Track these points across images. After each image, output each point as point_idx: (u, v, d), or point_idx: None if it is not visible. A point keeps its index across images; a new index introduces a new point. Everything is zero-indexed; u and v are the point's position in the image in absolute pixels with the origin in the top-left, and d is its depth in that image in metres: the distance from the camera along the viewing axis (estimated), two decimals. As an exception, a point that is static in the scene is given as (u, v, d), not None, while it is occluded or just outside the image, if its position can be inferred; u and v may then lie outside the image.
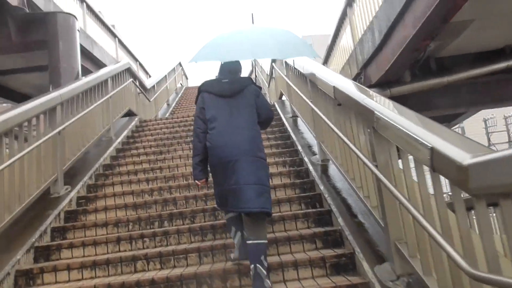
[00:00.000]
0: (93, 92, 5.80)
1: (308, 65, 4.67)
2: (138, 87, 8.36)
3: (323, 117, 3.90)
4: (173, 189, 4.42)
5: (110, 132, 6.38)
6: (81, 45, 8.95)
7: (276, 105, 7.45)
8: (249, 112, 2.93)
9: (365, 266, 2.67)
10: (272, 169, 4.63)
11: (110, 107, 6.46)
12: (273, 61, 8.11)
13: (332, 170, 4.22)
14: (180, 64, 15.71)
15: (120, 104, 7.14)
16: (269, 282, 2.65)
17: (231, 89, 2.97)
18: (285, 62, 6.48)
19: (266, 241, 2.79)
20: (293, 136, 5.49)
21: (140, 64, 15.64)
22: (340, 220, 3.25)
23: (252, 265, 2.66)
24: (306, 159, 4.63)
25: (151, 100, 9.39)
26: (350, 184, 3.37)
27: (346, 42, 8.00)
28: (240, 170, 2.74)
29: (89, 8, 10.23)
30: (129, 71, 7.79)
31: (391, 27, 5.40)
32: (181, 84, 16.03)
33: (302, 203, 3.85)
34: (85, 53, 9.40)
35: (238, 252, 2.97)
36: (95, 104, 5.63)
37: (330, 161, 4.37)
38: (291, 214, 3.58)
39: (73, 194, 4.33)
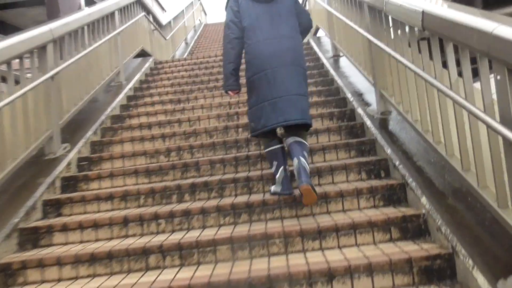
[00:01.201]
0: (97, 28, 4.82)
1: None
2: (152, 23, 7.30)
3: (396, 55, 2.86)
4: (194, 149, 3.55)
5: (120, 76, 5.47)
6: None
7: (312, 42, 6.32)
8: (291, 19, 2.74)
9: None
10: (316, 124, 3.69)
11: (119, 45, 5.50)
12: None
13: (397, 126, 3.26)
14: (198, -2, 14.31)
15: (131, 42, 6.15)
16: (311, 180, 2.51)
17: None
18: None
19: (307, 144, 2.72)
20: (338, 81, 4.46)
21: (157, 1, 14.31)
22: (426, 201, 2.34)
23: (295, 158, 2.53)
24: (359, 110, 3.66)
25: (167, 38, 8.33)
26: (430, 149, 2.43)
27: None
28: (287, 81, 2.59)
29: None
30: (140, 2, 6.70)
31: None
32: (199, 21, 14.72)
33: (363, 171, 2.94)
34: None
35: (281, 186, 2.68)
36: (99, 42, 4.67)
37: (394, 114, 3.40)
38: (352, 189, 2.68)
39: (72, 154, 3.52)
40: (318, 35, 6.91)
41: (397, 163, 2.77)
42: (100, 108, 4.57)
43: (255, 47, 2.66)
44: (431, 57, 2.46)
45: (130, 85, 5.35)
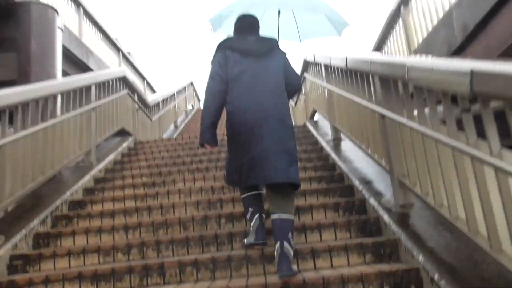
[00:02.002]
0: (65, 101, 4.25)
1: (373, 56, 3.06)
2: (136, 102, 6.83)
3: (429, 131, 2.23)
4: (162, 244, 2.75)
5: (91, 156, 4.79)
6: (73, 54, 7.57)
7: (309, 125, 5.81)
8: (279, 76, 2.66)
9: None
10: (318, 216, 2.97)
11: (93, 122, 4.91)
12: (304, 69, 6.53)
13: (424, 223, 2.53)
14: (192, 84, 14.29)
15: (109, 120, 5.59)
16: (295, 267, 2.27)
17: (260, 49, 2.67)
18: (324, 65, 4.89)
19: (293, 218, 2.43)
20: (342, 166, 3.82)
21: (148, 84, 14.28)
22: None
23: (278, 243, 2.28)
24: (372, 201, 2.95)
25: (153, 119, 7.84)
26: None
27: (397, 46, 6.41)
28: (268, 136, 2.44)
29: (87, 13, 8.89)
30: (124, 80, 6.28)
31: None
32: (192, 106, 14.56)
33: (386, 285, 2.14)
34: (79, 64, 7.98)
35: (255, 235, 2.49)
36: (62, 117, 4.05)
37: (417, 207, 2.69)
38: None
39: (3, 251, 2.69)
40: (315, 118, 6.45)
41: (435, 276, 1.99)
42: (59, 191, 3.81)
43: (238, 99, 2.54)
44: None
45: (101, 165, 4.65)
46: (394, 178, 2.84)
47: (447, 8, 4.62)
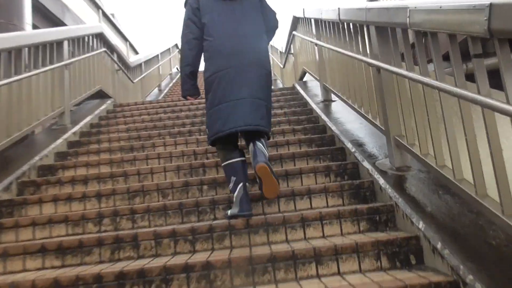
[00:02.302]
0: (33, 56, 3.87)
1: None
2: (116, 62, 6.42)
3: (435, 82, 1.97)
4: (137, 215, 2.51)
5: (65, 118, 4.47)
6: (46, 8, 7.06)
7: (298, 87, 5.51)
8: (256, 18, 2.54)
9: None
10: (309, 180, 2.75)
11: (67, 82, 4.55)
12: (294, 28, 6.16)
13: (424, 186, 2.31)
14: (177, 45, 13.72)
15: (86, 80, 5.22)
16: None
17: None
18: (315, 20, 4.55)
19: (266, 141, 2.44)
20: (333, 128, 3.56)
21: (131, 46, 13.68)
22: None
23: (251, 143, 2.32)
24: (366, 164, 2.72)
25: (135, 81, 7.44)
26: None
27: None
28: (248, 82, 2.35)
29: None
30: (101, 38, 5.85)
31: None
32: (177, 69, 14.04)
33: (384, 255, 1.93)
34: (53, 20, 7.47)
35: (239, 206, 2.29)
36: (30, 73, 3.68)
37: (415, 169, 2.48)
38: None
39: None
40: (305, 79, 6.14)
41: (438, 245, 1.79)
42: (27, 156, 3.51)
43: (215, 44, 2.42)
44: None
45: (76, 128, 4.33)
46: (390, 138, 2.61)
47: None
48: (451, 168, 1.91)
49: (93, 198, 2.80)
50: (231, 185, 2.36)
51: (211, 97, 2.41)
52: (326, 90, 4.52)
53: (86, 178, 3.11)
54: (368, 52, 2.90)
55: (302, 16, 5.19)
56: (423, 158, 2.20)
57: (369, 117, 3.02)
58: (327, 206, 2.48)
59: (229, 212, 2.34)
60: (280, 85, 8.93)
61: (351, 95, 3.48)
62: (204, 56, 2.50)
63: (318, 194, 2.51)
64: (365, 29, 2.92)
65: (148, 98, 8.93)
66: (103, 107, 5.31)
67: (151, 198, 2.78)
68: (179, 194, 2.78)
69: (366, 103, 3.10)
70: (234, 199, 2.32)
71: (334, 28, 3.83)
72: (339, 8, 3.35)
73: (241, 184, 2.31)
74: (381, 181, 2.45)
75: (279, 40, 8.99)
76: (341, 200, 2.51)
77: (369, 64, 2.76)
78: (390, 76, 2.59)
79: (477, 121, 1.77)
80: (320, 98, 4.69)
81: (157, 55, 10.27)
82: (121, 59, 6.79)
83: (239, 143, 2.55)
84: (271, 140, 3.43)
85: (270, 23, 2.63)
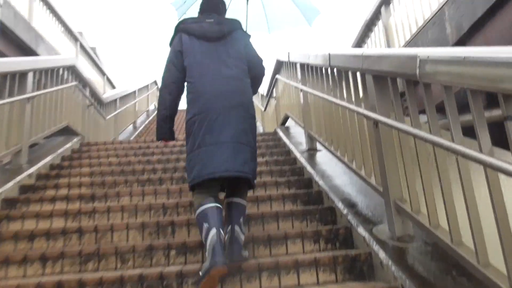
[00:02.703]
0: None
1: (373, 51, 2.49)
2: (87, 97, 6.02)
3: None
4: None
5: (21, 157, 3.99)
6: (18, 37, 6.65)
7: (280, 132, 5.21)
8: (240, 61, 2.45)
9: None
10: (294, 247, 2.37)
11: (28, 117, 4.11)
12: (277, 71, 5.94)
13: (432, 263, 1.96)
14: (155, 82, 13.44)
15: (51, 115, 4.78)
16: (247, 252, 2.25)
17: (219, 31, 2.46)
18: (300, 65, 4.31)
19: (246, 205, 2.35)
20: (320, 182, 3.22)
21: (109, 80, 13.30)
22: None
23: (230, 226, 2.20)
24: (361, 231, 2.36)
25: (107, 117, 7.02)
26: None
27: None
28: (234, 126, 2.26)
29: (38, -5, 7.95)
30: (73, 70, 5.47)
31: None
32: (154, 106, 13.70)
33: None
34: (25, 49, 7.05)
35: (212, 257, 1.93)
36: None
37: (420, 242, 2.13)
38: None
39: None
40: (287, 124, 5.86)
41: None
42: (-32, 203, 3.01)
43: (197, 86, 2.35)
44: None
45: (32, 170, 3.85)
46: (389, 202, 2.26)
47: (434, 7, 4.16)
48: (474, 250, 1.57)
49: (36, 262, 2.32)
50: (203, 233, 2.09)
51: (192, 140, 2.30)
52: (311, 138, 4.22)
53: (32, 234, 2.63)
54: (362, 102, 2.62)
55: (286, 60, 4.97)
56: (433, 231, 1.86)
57: (362, 174, 2.69)
58: (318, 284, 2.08)
59: (200, 272, 1.98)
60: (261, 129, 8.67)
61: (340, 146, 3.17)
62: (186, 98, 2.43)
63: (308, 268, 2.12)
64: (359, 77, 2.66)
65: (122, 136, 8.51)
66: (68, 145, 4.86)
67: (107, 264, 2.32)
68: (141, 260, 2.34)
69: (358, 158, 2.79)
70: (207, 248, 2.02)
71: (322, 74, 3.58)
72: (329, 54, 3.10)
73: (213, 230, 2.04)
74: (381, 254, 2.08)
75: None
76: (334, 276, 2.12)
77: (366, 117, 2.46)
78: (389, 131, 2.29)
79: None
80: (304, 146, 4.39)
81: (134, 91, 9.93)
82: (94, 94, 6.40)
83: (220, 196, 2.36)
84: (250, 194, 3.07)
85: (255, 70, 2.54)
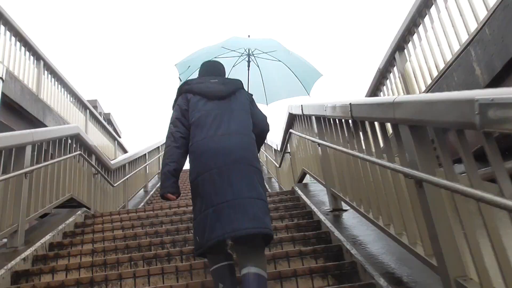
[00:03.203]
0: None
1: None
2: (93, 166, 5.74)
3: None
4: None
5: (17, 238, 3.62)
6: (25, 110, 6.58)
7: (298, 190, 4.80)
8: (244, 118, 2.46)
9: None
10: None
11: (25, 193, 3.79)
12: (290, 125, 5.64)
13: None
14: (166, 144, 13.30)
15: (52, 188, 4.47)
16: None
17: (223, 90, 2.49)
18: (316, 118, 3.99)
19: (266, 276, 2.15)
20: (352, 251, 2.77)
21: (120, 144, 13.24)
22: None
23: (244, 270, 2.07)
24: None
25: (115, 184, 6.71)
26: None
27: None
28: (239, 181, 2.17)
29: (49, 68, 8.00)
30: (77, 139, 5.24)
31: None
32: (166, 168, 13.48)
33: None
34: (32, 121, 6.97)
35: None
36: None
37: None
38: None
39: None
40: (304, 181, 5.46)
41: None
42: None
43: (200, 144, 2.32)
44: None
45: (28, 252, 3.47)
46: (448, 282, 1.80)
47: (456, 49, 3.87)
48: None
49: None
50: None
51: (198, 203, 2.24)
52: (334, 197, 3.80)
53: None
54: (397, 157, 2.23)
55: (299, 113, 4.67)
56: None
57: (405, 241, 2.25)
58: None
59: None
60: (276, 185, 8.25)
61: (372, 207, 2.75)
62: (189, 158, 2.40)
63: None
64: (390, 128, 2.30)
65: (132, 202, 8.16)
66: (71, 219, 4.49)
67: None
68: None
69: (397, 221, 2.36)
70: None
71: (342, 126, 3.24)
72: (350, 104, 2.76)
73: None
74: None
75: (273, 137, 8.50)
76: None
77: (406, 175, 2.06)
78: (438, 192, 1.88)
79: None
80: (327, 206, 3.95)
81: (144, 154, 9.71)
82: (100, 161, 6.13)
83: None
84: (271, 269, 2.62)
85: (259, 126, 2.55)
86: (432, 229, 1.89)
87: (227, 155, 2.24)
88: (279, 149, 7.14)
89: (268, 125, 2.66)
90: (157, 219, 4.36)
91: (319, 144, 4.00)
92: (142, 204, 8.12)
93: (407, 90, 5.09)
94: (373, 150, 2.56)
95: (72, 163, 5.09)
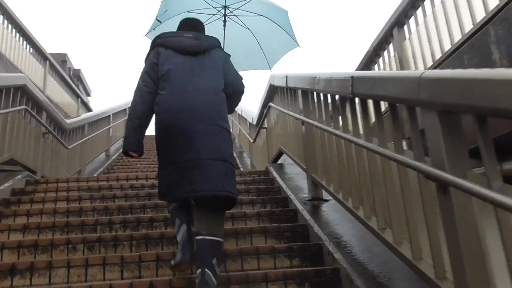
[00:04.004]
0: None
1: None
2: (42, 124, 5.03)
3: None
4: None
5: None
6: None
7: (274, 173, 4.30)
8: (216, 75, 2.38)
9: None
10: None
11: None
12: (270, 98, 5.09)
13: None
14: (134, 106, 12.48)
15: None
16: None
17: (197, 46, 2.41)
18: (303, 91, 3.45)
19: (222, 240, 2.14)
20: (336, 255, 2.31)
21: (83, 102, 12.33)
22: None
23: (199, 270, 1.98)
24: None
25: (70, 147, 6.00)
26: None
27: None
28: (201, 141, 2.15)
29: None
30: (24, 92, 4.51)
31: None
32: (133, 132, 12.71)
33: None
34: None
35: (182, 253, 2.12)
36: None
37: None
38: None
39: None
40: (281, 161, 4.97)
41: None
42: None
43: (165, 98, 2.25)
44: None
45: None
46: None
47: (469, 28, 3.39)
48: None
49: None
50: (175, 227, 2.23)
51: (162, 156, 2.27)
52: (315, 185, 3.32)
53: None
54: (414, 150, 1.74)
55: (283, 85, 4.12)
56: None
57: (408, 256, 1.79)
58: None
59: (172, 262, 2.20)
60: (248, 161, 7.75)
61: (365, 206, 2.28)
62: (154, 111, 2.31)
63: None
64: (404, 112, 1.79)
65: (90, 166, 7.49)
66: (6, 185, 3.85)
67: None
68: None
69: (396, 228, 1.89)
70: (179, 244, 2.19)
71: (338, 104, 2.72)
72: (352, 77, 2.23)
73: (184, 226, 2.18)
74: None
75: (249, 109, 7.94)
76: None
77: (428, 176, 1.56)
78: (469, 199, 1.40)
79: None
80: (306, 193, 3.48)
81: (108, 116, 8.96)
82: (53, 119, 5.42)
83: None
84: (237, 269, 2.14)
85: (234, 86, 2.45)
86: (456, 249, 1.43)
87: (192, 113, 2.19)
88: (254, 123, 6.59)
89: (244, 86, 2.56)
90: (110, 192, 3.78)
91: (303, 122, 3.49)
92: (101, 169, 7.47)
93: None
94: (376, 137, 2.06)
95: (16, 118, 4.38)
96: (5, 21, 7.35)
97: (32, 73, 8.52)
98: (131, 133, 2.31)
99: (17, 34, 7.90)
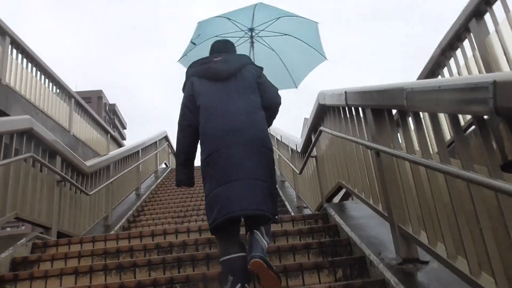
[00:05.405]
0: None
1: None
2: (56, 172, 4.31)
3: None
4: None
5: None
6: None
7: (336, 218, 3.34)
8: (251, 95, 2.45)
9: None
10: None
11: None
12: (319, 120, 4.17)
13: None
14: (166, 137, 11.88)
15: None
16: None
17: (227, 70, 2.48)
18: (374, 110, 2.53)
19: (268, 242, 2.19)
20: None
21: (113, 137, 11.83)
22: None
23: (248, 233, 2.18)
24: None
25: (91, 193, 5.27)
26: None
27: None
28: (242, 162, 2.21)
29: (15, 43, 6.57)
30: (30, 136, 3.82)
31: None
32: (166, 164, 12.06)
33: None
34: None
35: None
36: None
37: None
38: None
39: None
40: (337, 200, 4.01)
41: None
42: None
43: (207, 126, 2.36)
44: None
45: None
46: None
47: None
48: None
49: None
50: (228, 286, 2.07)
51: (208, 182, 2.27)
52: (406, 240, 2.34)
53: None
54: None
55: (340, 103, 3.20)
56: None
57: None
58: None
59: None
60: (292, 192, 6.79)
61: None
62: (200, 141, 2.41)
63: None
64: None
65: (119, 208, 6.78)
66: (5, 254, 3.09)
67: None
68: None
69: None
70: None
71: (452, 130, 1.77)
72: (495, 82, 1.30)
73: (239, 286, 2.04)
74: None
75: (285, 131, 7.06)
76: None
77: None
78: None
79: None
80: (389, 249, 2.50)
81: (137, 151, 8.31)
82: (69, 163, 4.71)
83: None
84: None
85: (269, 100, 2.51)
86: None
87: (235, 134, 2.25)
88: (298, 149, 5.66)
89: (280, 97, 2.60)
90: (129, 258, 2.94)
91: (378, 153, 2.54)
92: (131, 212, 6.73)
93: (491, 71, 3.61)
94: None
95: (21, 169, 3.68)
96: (24, 60, 6.89)
97: (57, 113, 8.04)
98: (179, 170, 2.50)
99: (38, 73, 7.44)
